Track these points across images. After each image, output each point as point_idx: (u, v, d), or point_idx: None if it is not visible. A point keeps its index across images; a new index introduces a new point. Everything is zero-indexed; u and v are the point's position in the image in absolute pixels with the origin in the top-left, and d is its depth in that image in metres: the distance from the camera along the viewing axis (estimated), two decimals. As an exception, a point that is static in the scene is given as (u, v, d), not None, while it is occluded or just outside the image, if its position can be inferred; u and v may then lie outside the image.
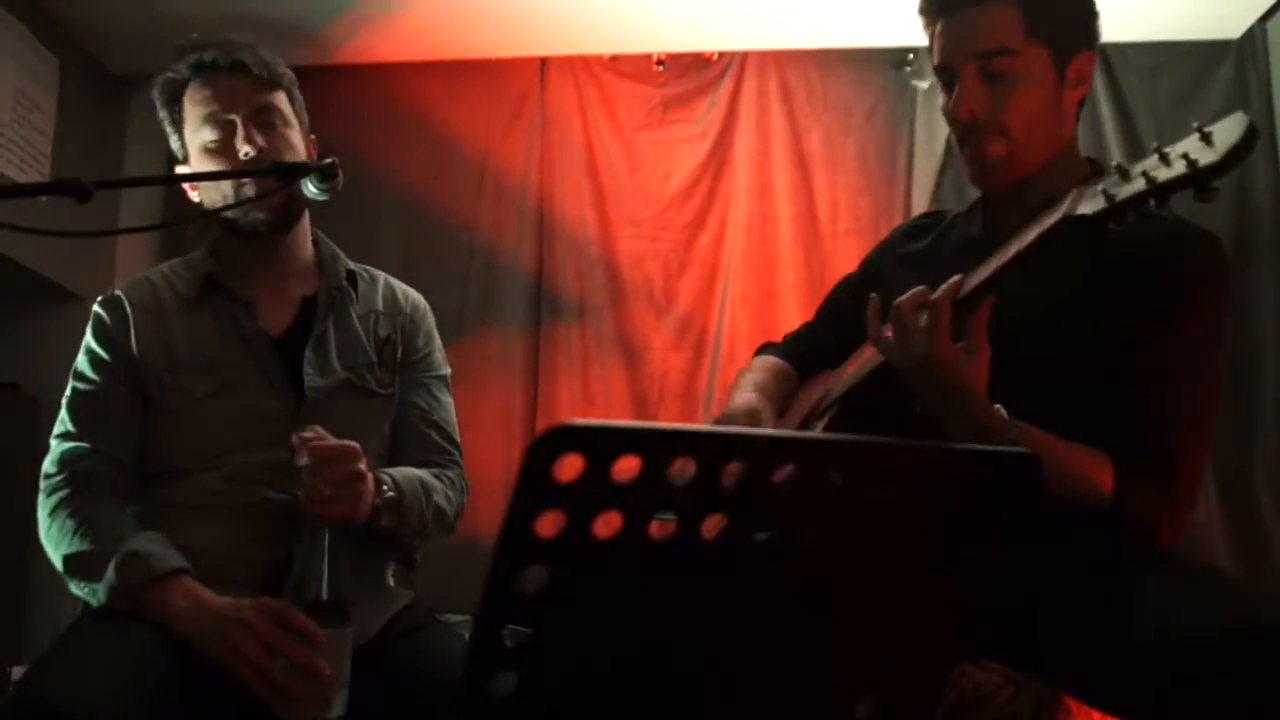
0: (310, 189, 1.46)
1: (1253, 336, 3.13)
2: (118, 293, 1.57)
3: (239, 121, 1.53)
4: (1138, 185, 1.01)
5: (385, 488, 1.42)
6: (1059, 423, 1.24)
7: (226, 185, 1.52)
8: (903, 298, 1.22)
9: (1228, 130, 0.95)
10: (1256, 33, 3.25)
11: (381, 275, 1.73)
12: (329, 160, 1.46)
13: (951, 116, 1.38)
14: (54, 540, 1.42)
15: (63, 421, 1.51)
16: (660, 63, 3.54)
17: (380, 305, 1.66)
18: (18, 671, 2.75)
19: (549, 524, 0.66)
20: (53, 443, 1.51)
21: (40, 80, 3.28)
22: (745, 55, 3.53)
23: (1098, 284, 1.29)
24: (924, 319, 1.19)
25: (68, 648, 1.28)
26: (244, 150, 1.51)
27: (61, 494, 1.43)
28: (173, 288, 1.58)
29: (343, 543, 1.31)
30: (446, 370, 1.72)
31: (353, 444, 1.36)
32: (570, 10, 3.29)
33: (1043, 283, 1.26)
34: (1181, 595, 1.12)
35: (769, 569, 0.78)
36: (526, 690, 0.71)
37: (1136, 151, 3.09)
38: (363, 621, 1.36)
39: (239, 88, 1.55)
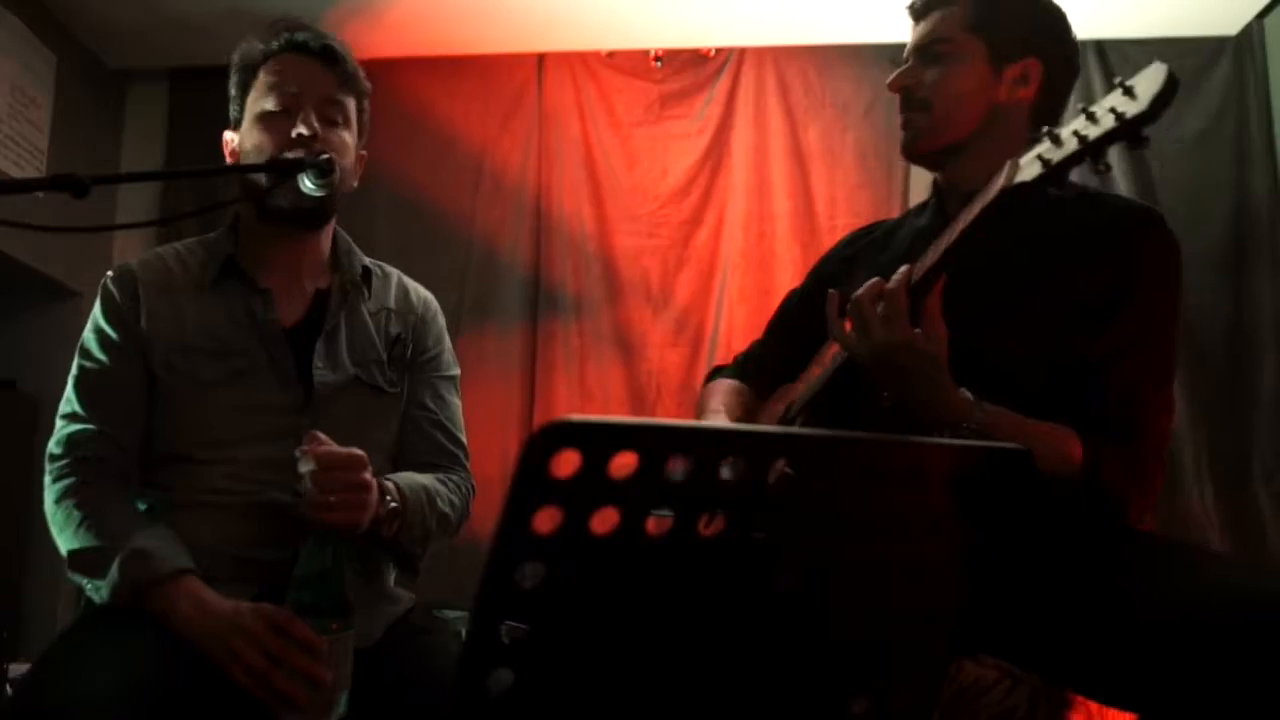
0: (307, 185, 1.45)
1: (1250, 335, 3.14)
2: (130, 267, 1.55)
3: (304, 102, 1.52)
4: (1071, 145, 1.06)
5: (389, 498, 1.41)
6: (1025, 404, 1.26)
7: (268, 156, 1.50)
8: (859, 291, 1.25)
9: (1148, 80, 1.00)
10: (1254, 29, 3.25)
11: (395, 273, 1.72)
12: (325, 156, 1.46)
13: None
14: (59, 527, 1.40)
15: (69, 401, 1.48)
16: (658, 59, 3.53)
17: (392, 303, 1.65)
18: (15, 669, 2.75)
19: (546, 520, 0.66)
20: (58, 422, 1.48)
21: (37, 76, 3.28)
22: (743, 51, 3.53)
23: (1052, 266, 1.34)
24: (881, 308, 1.22)
25: (70, 648, 1.27)
26: (298, 130, 1.49)
27: (68, 481, 1.41)
28: (186, 268, 1.55)
29: (345, 546, 1.31)
30: (456, 371, 1.71)
31: (359, 452, 1.34)
32: (567, 6, 3.29)
33: (998, 270, 1.30)
34: (1174, 579, 1.13)
35: (766, 565, 0.78)
36: (523, 687, 0.71)
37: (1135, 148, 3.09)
38: (364, 626, 1.36)
39: (318, 73, 1.55)
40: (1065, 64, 1.45)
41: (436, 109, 3.58)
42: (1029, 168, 1.10)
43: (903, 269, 1.23)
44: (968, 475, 0.80)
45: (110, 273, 1.55)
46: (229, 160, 1.62)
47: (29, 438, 3.19)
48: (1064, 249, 1.33)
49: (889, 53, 3.44)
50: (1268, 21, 3.23)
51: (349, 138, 1.58)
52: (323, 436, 1.34)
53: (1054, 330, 1.32)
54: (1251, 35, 3.26)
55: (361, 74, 1.62)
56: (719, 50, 3.54)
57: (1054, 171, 1.07)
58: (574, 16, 3.35)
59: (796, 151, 3.47)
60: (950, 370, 1.23)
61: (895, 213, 3.30)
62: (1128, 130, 1.02)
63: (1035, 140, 1.11)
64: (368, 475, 1.34)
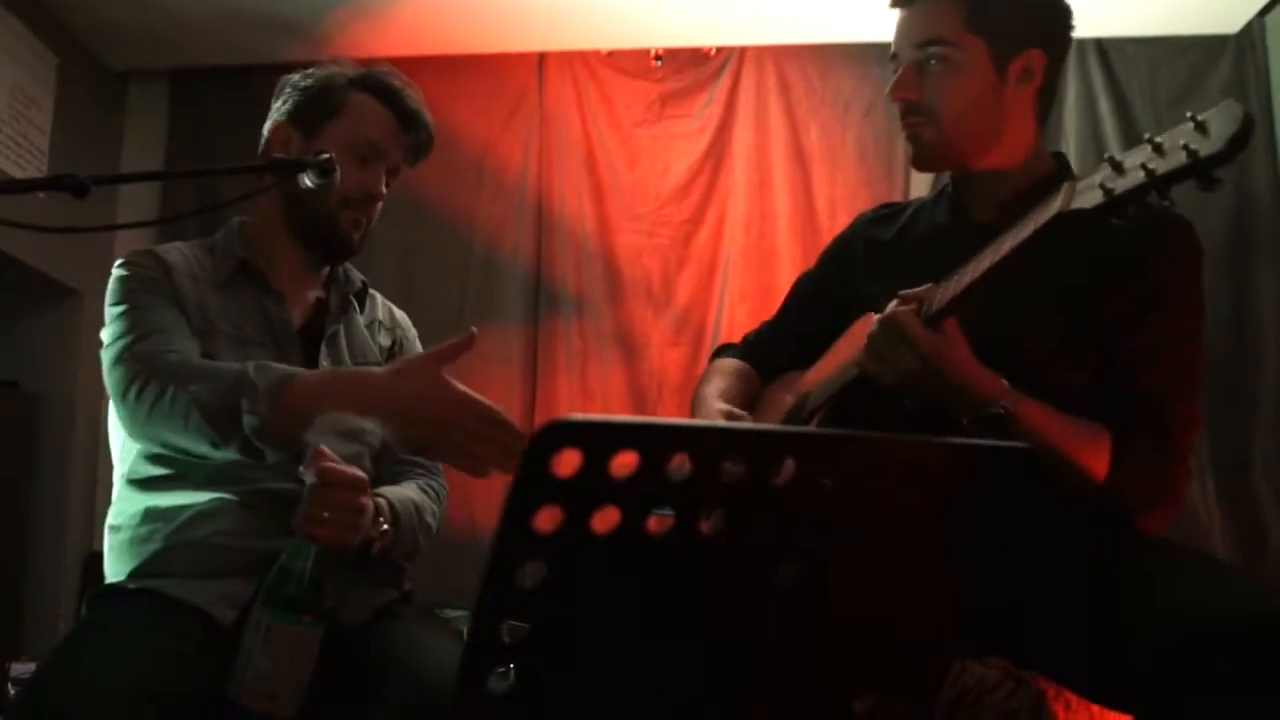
0: (307, 184, 1.46)
1: (1251, 331, 3.13)
2: (150, 249, 1.56)
3: (382, 166, 1.62)
4: (1136, 178, 1.00)
5: (382, 520, 1.42)
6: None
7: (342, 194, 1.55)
8: (874, 323, 1.24)
9: (1223, 118, 0.95)
10: (1255, 27, 3.25)
11: (379, 295, 1.79)
12: (325, 155, 1.46)
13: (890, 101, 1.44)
14: (162, 418, 1.34)
15: (121, 334, 1.42)
16: (658, 58, 3.53)
17: (381, 316, 1.74)
18: (17, 668, 2.75)
19: (547, 519, 0.66)
20: (109, 354, 1.42)
21: (38, 77, 3.28)
22: (743, 50, 3.52)
23: (1080, 274, 1.30)
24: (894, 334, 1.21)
25: (73, 655, 1.27)
26: (369, 190, 1.59)
27: (155, 377, 1.35)
28: (200, 263, 1.58)
29: (331, 556, 1.30)
30: None
31: (360, 475, 1.34)
32: (568, 5, 3.29)
33: (1027, 277, 1.27)
34: (1180, 585, 1.12)
35: (767, 564, 0.78)
36: (524, 685, 0.71)
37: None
38: (353, 609, 1.39)
39: (403, 147, 1.65)
40: (1065, 47, 1.41)
41: (437, 108, 3.53)
42: (1088, 194, 1.04)
43: (924, 288, 1.21)
44: (971, 473, 0.80)
45: (124, 258, 1.53)
46: (274, 150, 1.61)
47: (30, 437, 3.20)
48: (1093, 259, 1.29)
49: (890, 51, 3.43)
50: (1269, 19, 3.22)
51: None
52: (328, 452, 1.33)
53: (1085, 341, 1.30)
54: (1253, 33, 3.25)
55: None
56: (719, 49, 3.53)
57: (1116, 202, 1.02)
58: (574, 16, 3.35)
59: (797, 151, 3.46)
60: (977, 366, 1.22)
61: (896, 212, 3.30)
62: (1199, 169, 0.96)
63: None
64: (366, 500, 1.35)
